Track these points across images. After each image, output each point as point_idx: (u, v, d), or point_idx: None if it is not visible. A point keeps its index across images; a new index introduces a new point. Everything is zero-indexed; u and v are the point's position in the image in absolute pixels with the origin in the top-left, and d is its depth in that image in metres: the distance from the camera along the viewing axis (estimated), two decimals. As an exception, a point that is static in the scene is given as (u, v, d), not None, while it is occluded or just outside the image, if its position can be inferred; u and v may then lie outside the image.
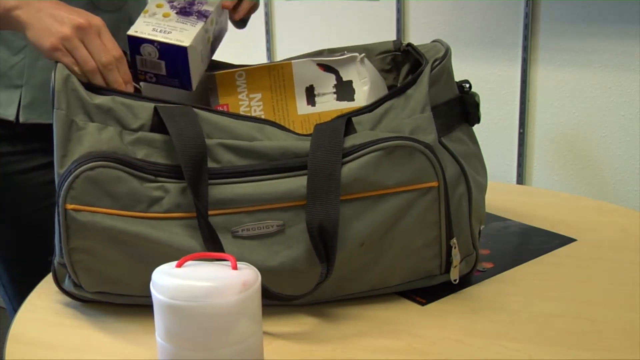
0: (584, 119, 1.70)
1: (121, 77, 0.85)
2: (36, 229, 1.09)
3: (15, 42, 1.05)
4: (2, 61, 1.05)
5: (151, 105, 0.82)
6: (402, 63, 1.00)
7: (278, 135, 0.83)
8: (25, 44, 1.06)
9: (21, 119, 1.06)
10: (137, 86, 0.93)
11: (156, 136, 0.81)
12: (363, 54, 0.96)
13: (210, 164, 0.80)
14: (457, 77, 0.93)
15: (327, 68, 0.95)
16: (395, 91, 0.85)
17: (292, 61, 0.95)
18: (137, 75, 0.92)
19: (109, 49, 0.84)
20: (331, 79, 0.95)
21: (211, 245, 0.77)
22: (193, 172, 0.77)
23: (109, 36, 0.85)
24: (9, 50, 1.06)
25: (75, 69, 0.83)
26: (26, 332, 0.82)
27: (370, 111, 0.84)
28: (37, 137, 1.08)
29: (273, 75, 0.95)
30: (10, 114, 1.06)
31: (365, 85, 0.95)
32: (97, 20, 0.85)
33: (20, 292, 1.11)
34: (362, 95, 0.94)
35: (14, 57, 1.06)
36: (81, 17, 0.84)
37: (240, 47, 2.27)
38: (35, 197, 1.10)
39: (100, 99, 0.82)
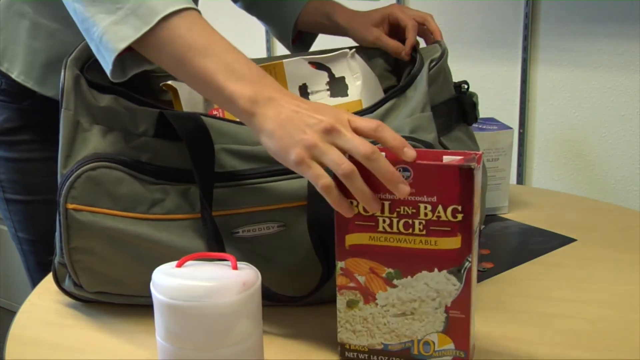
0: (584, 119, 1.70)
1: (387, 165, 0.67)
2: None
3: None
4: (69, 45, 0.91)
5: (155, 111, 0.82)
6: (404, 63, 1.00)
7: None
8: None
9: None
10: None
11: (159, 141, 0.81)
12: (353, 49, 0.96)
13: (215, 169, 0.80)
14: (458, 77, 0.93)
15: (318, 66, 0.95)
16: (395, 91, 0.86)
17: (284, 61, 0.95)
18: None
19: (363, 139, 0.68)
20: (324, 77, 0.95)
21: (214, 243, 0.77)
22: (204, 172, 0.78)
23: (358, 121, 0.70)
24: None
25: (322, 182, 0.68)
26: (26, 332, 0.82)
27: (371, 112, 0.84)
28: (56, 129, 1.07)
29: None
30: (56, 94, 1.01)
31: (358, 80, 0.95)
32: (343, 115, 0.69)
33: (44, 277, 1.12)
34: (355, 90, 0.94)
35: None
36: (326, 115, 0.68)
37: (240, 47, 2.27)
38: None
39: (105, 102, 0.82)
